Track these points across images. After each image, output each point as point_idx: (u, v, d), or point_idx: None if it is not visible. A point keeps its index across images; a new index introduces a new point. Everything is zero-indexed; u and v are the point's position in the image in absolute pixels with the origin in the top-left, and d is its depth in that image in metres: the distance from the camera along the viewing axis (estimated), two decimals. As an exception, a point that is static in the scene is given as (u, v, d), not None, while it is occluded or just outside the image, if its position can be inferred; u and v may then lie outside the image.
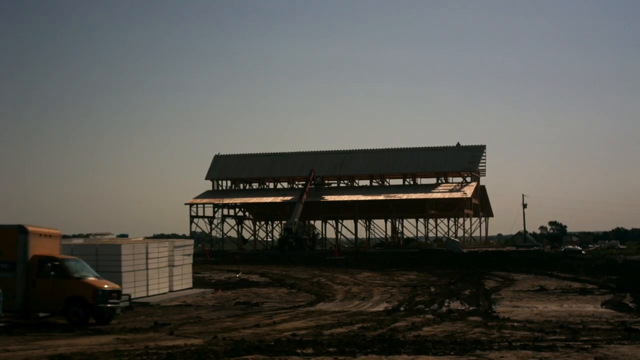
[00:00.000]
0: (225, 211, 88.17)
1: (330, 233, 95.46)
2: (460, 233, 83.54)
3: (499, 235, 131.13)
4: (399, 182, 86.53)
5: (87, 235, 35.94)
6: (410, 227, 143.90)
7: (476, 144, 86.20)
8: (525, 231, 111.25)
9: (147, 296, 31.76)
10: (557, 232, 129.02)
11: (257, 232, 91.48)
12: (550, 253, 67.38)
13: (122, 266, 29.99)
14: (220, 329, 22.03)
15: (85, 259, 27.67)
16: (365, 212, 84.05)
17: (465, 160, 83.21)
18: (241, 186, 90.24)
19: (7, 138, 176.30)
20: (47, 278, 23.84)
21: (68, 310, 23.78)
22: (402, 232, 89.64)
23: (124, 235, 36.62)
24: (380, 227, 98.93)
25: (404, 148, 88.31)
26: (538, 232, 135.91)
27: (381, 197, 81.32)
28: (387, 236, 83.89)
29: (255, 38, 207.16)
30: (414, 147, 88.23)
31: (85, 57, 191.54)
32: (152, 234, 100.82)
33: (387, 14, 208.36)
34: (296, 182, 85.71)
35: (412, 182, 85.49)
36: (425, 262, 52.38)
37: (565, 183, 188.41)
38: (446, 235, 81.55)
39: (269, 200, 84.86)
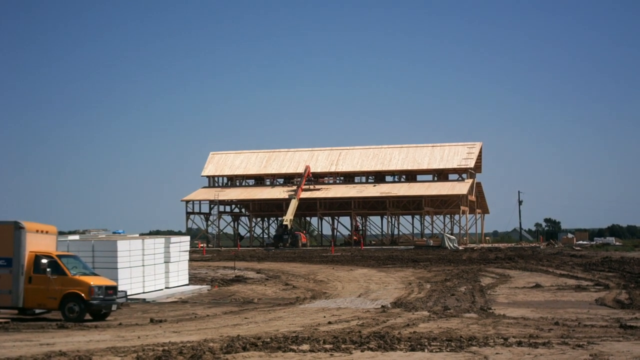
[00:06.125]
0: (222, 208, 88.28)
1: (327, 230, 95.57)
2: (456, 230, 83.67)
3: (495, 231, 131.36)
4: (396, 178, 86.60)
5: (84, 232, 35.90)
6: (407, 224, 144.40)
7: (472, 141, 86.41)
8: (520, 228, 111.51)
9: (143, 292, 31.76)
10: (552, 229, 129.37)
11: (253, 229, 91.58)
12: (545, 249, 67.50)
13: (118, 262, 29.97)
14: (216, 325, 22.06)
15: (82, 255, 27.70)
16: (361, 208, 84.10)
17: (462, 157, 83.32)
18: (237, 183, 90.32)
19: (3, 135, 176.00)
20: (43, 274, 23.86)
21: (64, 306, 23.81)
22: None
23: (120, 232, 36.57)
24: (377, 224, 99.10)
25: (400, 145, 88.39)
26: (533, 228, 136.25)
27: (377, 194, 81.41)
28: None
29: (253, 36, 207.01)
30: (411, 144, 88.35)
31: (82, 55, 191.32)
32: (148, 230, 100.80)
33: (385, 10, 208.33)
34: (294, 179, 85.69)
35: (406, 178, 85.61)
36: (421, 258, 52.45)
37: (561, 180, 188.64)
38: (442, 232, 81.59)
39: (264, 197, 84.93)
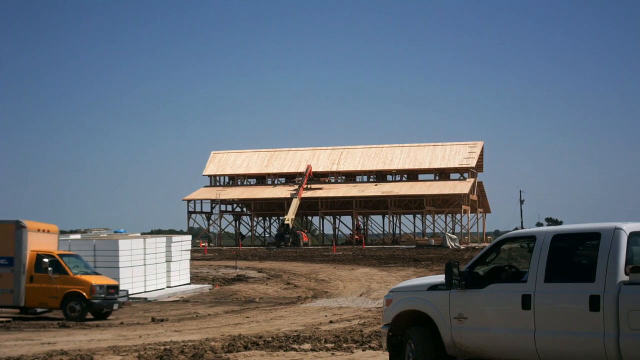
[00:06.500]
0: (223, 207, 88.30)
1: (328, 229, 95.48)
2: (457, 229, 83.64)
3: (496, 231, 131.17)
4: (397, 178, 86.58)
5: (85, 231, 35.95)
6: (408, 223, 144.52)
7: (474, 140, 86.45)
8: (522, 227, 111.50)
9: (145, 292, 31.81)
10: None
11: (255, 228, 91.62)
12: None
13: (120, 262, 30.01)
14: (218, 324, 22.08)
15: (83, 254, 27.74)
16: (362, 208, 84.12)
17: (463, 156, 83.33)
18: (239, 182, 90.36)
19: (3, 134, 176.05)
20: (45, 274, 23.90)
21: (65, 305, 23.86)
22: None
23: (122, 231, 36.62)
24: (378, 223, 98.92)
25: (401, 144, 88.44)
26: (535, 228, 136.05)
27: (378, 193, 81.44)
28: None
29: (252, 34, 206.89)
30: (412, 143, 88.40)
31: (82, 54, 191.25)
32: (150, 229, 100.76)
33: (385, 9, 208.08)
34: (296, 179, 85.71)
35: (407, 177, 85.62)
36: (423, 258, 52.44)
37: (563, 179, 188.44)
38: (443, 232, 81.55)
39: (266, 196, 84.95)
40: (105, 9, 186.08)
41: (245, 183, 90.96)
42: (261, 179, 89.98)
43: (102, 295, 24.03)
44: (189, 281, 36.66)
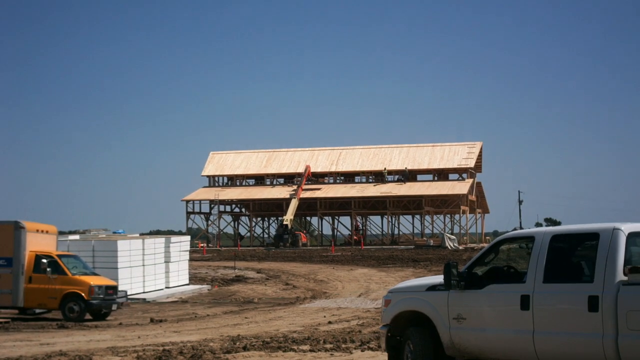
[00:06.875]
0: (222, 207, 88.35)
1: (327, 229, 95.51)
2: (456, 229, 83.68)
3: (495, 231, 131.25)
4: (396, 178, 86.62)
5: (84, 232, 35.93)
6: (407, 224, 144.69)
7: (473, 141, 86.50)
8: (521, 227, 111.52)
9: (144, 292, 31.79)
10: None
11: (253, 229, 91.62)
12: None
13: (119, 262, 29.99)
14: (217, 325, 22.08)
15: (82, 255, 27.73)
16: (361, 208, 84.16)
17: (462, 157, 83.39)
18: (237, 182, 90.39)
19: (3, 135, 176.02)
20: (44, 274, 23.91)
21: (64, 306, 23.86)
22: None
23: (120, 232, 36.59)
24: (377, 224, 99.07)
25: (400, 145, 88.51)
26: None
27: (377, 194, 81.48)
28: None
29: (252, 34, 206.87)
30: (411, 144, 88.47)
31: (81, 54, 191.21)
32: (149, 230, 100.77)
33: (384, 9, 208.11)
34: (294, 179, 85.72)
35: (403, 177, 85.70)
36: (422, 258, 52.46)
37: (561, 179, 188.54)
38: (442, 232, 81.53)
39: (265, 197, 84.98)
40: (106, 11, 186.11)
41: (244, 183, 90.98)
42: (260, 180, 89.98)
43: (101, 296, 24.04)
44: (187, 282, 36.64)
